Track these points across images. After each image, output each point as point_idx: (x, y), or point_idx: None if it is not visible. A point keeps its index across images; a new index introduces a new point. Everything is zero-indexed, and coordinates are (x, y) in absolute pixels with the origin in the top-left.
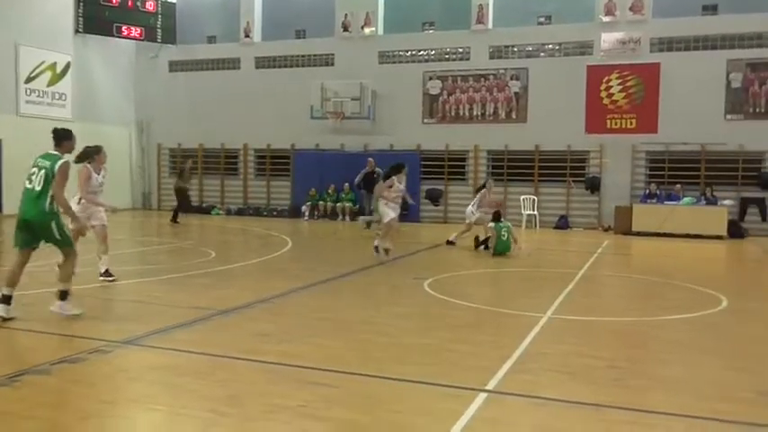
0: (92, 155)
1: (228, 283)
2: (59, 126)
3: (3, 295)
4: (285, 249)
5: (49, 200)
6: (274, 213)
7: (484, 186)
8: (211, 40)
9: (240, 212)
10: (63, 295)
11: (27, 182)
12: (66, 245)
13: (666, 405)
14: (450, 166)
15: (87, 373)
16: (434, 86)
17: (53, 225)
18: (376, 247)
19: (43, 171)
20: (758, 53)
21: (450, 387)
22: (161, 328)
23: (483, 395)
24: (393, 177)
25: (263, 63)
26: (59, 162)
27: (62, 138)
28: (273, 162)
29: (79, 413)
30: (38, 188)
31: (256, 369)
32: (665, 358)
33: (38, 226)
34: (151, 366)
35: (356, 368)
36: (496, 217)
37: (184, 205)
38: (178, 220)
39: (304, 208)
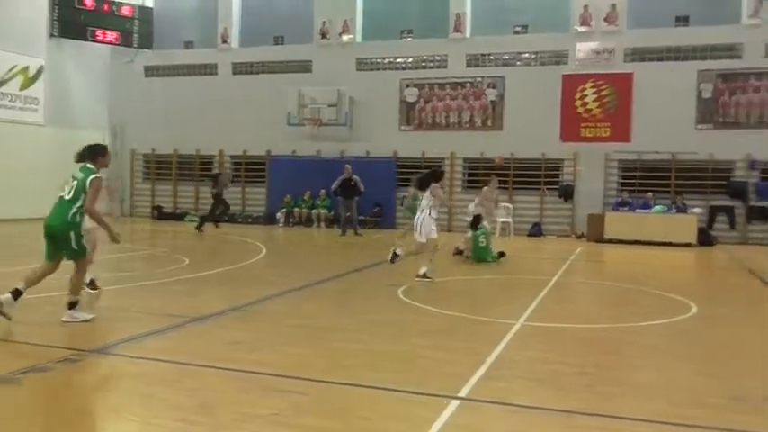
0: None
1: (202, 291)
2: (90, 142)
3: (16, 288)
4: (260, 256)
5: (74, 210)
6: (249, 220)
7: (488, 184)
8: (188, 45)
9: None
10: (72, 305)
11: (61, 190)
12: (81, 256)
13: (637, 411)
14: None
15: (56, 383)
16: (411, 94)
17: (72, 235)
18: (395, 254)
19: (76, 182)
20: (728, 64)
21: (423, 394)
22: (133, 336)
23: (456, 402)
24: (436, 185)
25: (240, 69)
26: (91, 177)
27: (96, 154)
28: (249, 168)
29: (48, 424)
30: (67, 197)
31: (228, 377)
32: (637, 364)
33: (58, 233)
34: (122, 375)
35: (328, 375)
36: (474, 224)
37: (223, 210)
38: (218, 225)
39: (279, 215)
